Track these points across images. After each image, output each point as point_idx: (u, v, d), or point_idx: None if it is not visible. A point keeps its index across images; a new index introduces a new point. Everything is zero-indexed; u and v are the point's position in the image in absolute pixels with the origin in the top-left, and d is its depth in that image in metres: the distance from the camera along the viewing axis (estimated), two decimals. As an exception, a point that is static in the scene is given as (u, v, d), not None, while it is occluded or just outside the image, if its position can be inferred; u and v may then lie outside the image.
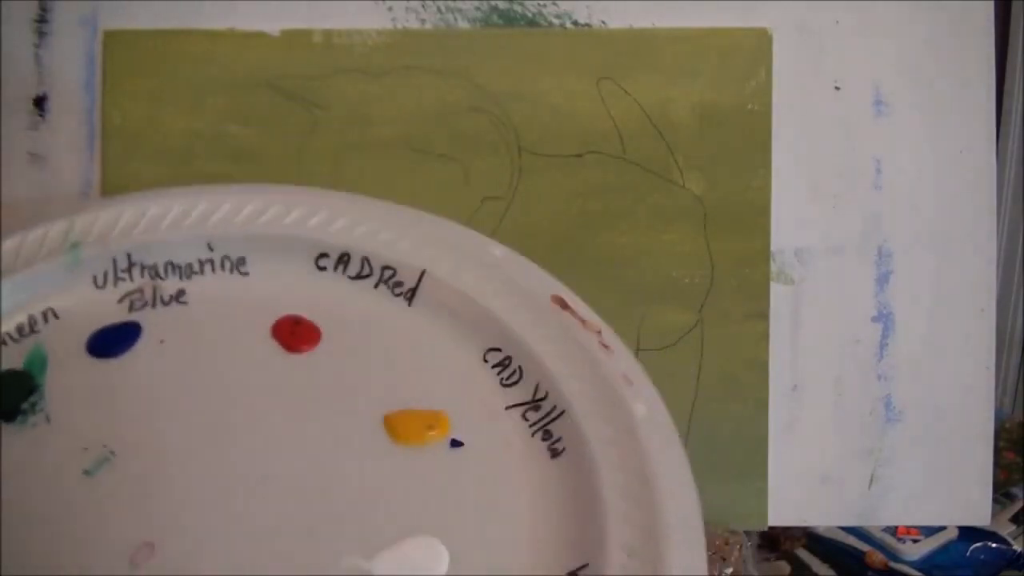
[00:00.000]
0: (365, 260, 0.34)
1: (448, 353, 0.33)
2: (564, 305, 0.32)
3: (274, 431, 0.30)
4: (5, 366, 0.32)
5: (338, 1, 0.41)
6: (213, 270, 0.35)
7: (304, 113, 0.41)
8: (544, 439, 0.30)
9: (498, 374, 0.32)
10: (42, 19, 0.41)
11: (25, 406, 0.31)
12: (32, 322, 0.33)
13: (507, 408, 0.31)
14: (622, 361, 0.31)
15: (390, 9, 0.41)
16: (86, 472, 0.29)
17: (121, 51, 0.41)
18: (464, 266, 0.34)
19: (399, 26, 0.41)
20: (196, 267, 0.35)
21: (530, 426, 0.30)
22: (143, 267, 0.35)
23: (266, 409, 0.31)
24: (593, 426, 0.29)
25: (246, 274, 0.35)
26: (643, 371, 0.31)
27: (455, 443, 0.30)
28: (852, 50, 0.41)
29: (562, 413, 0.30)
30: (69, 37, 0.41)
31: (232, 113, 0.41)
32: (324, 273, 0.35)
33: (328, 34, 0.41)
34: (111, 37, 0.41)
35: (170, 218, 0.35)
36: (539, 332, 0.32)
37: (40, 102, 0.41)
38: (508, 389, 0.31)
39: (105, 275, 0.34)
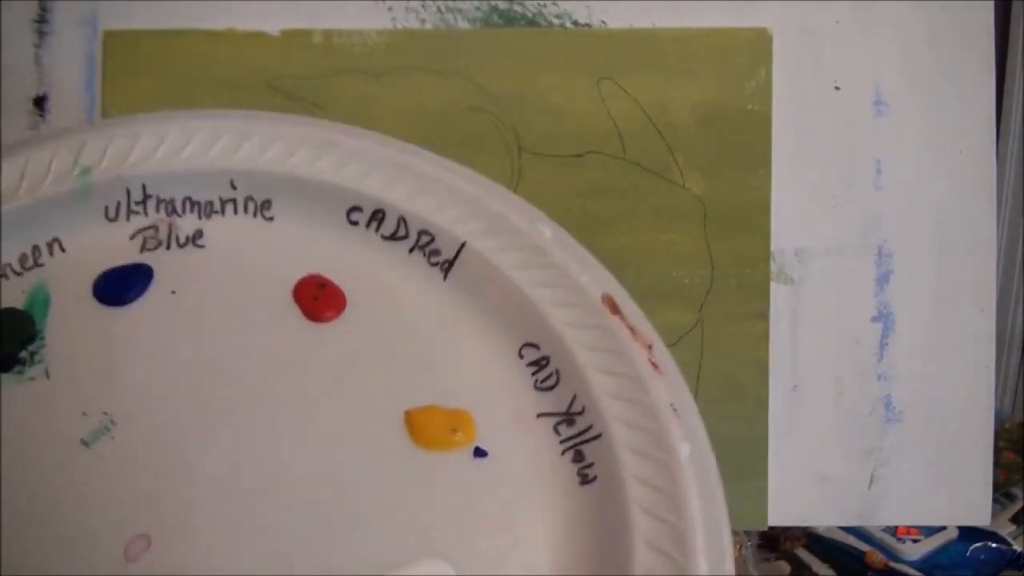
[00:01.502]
0: (401, 220, 0.31)
1: (481, 340, 0.29)
2: (615, 308, 0.29)
3: (286, 415, 0.28)
4: (5, 303, 0.29)
5: (338, 1, 0.41)
6: (235, 211, 0.32)
7: (304, 113, 0.41)
8: (575, 461, 0.27)
9: (533, 374, 0.29)
10: (42, 19, 0.41)
11: (23, 354, 0.28)
12: (36, 253, 0.30)
13: (538, 416, 0.28)
14: (672, 386, 0.28)
15: (390, 9, 0.41)
16: (84, 442, 0.27)
17: (121, 51, 0.41)
18: (510, 244, 0.30)
19: (399, 26, 0.41)
20: (217, 206, 0.32)
21: (561, 442, 0.27)
22: (159, 200, 0.31)
23: (280, 388, 0.28)
24: (631, 459, 0.26)
25: (271, 219, 0.32)
26: (692, 400, 0.28)
27: (479, 452, 0.28)
28: (852, 50, 0.41)
29: (598, 436, 0.27)
30: (69, 37, 0.41)
31: (232, 113, 0.41)
32: (355, 228, 0.31)
33: (328, 34, 0.41)
34: (111, 37, 0.41)
35: (191, 148, 0.31)
36: (583, 335, 0.28)
37: (40, 102, 0.41)
38: (542, 394, 0.28)
39: (117, 206, 0.31)
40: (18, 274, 0.30)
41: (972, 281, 0.41)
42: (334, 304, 0.30)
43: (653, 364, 0.28)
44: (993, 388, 0.41)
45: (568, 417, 0.28)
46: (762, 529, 0.42)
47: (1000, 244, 0.51)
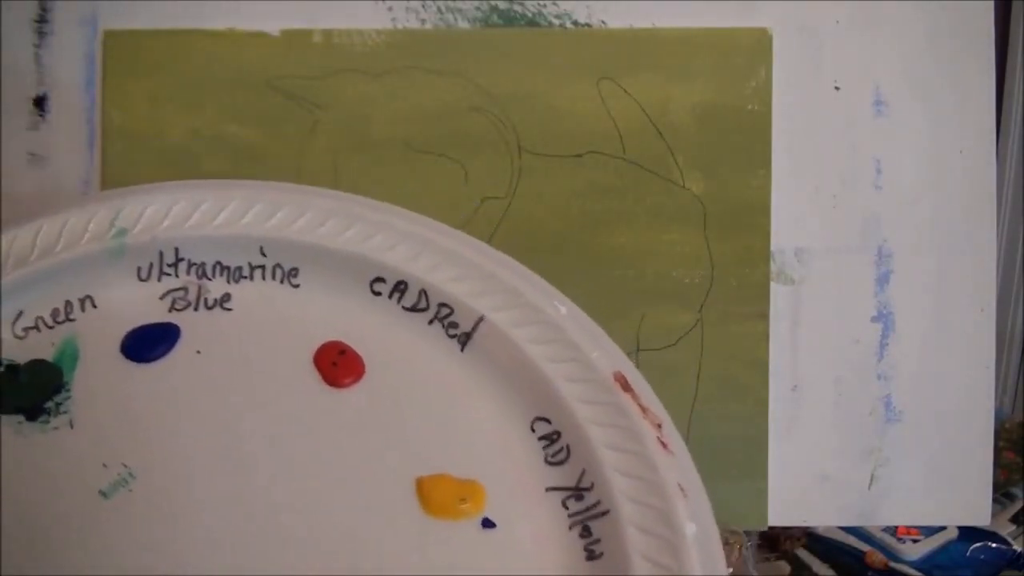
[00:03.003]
0: (423, 293, 0.32)
1: (494, 412, 0.30)
2: (626, 386, 0.29)
3: (302, 477, 0.28)
4: (35, 355, 0.30)
5: (338, 1, 0.41)
6: (263, 277, 0.33)
7: (304, 113, 0.41)
8: (582, 536, 0.27)
9: (544, 448, 0.29)
10: (42, 19, 0.41)
11: (49, 405, 0.29)
12: (68, 308, 0.32)
13: (547, 490, 0.28)
14: (680, 465, 0.28)
15: (390, 9, 0.41)
16: (102, 493, 0.28)
17: (121, 51, 0.41)
18: (525, 319, 0.31)
19: (399, 26, 0.41)
20: (246, 271, 0.33)
21: (569, 516, 0.28)
22: (190, 264, 0.33)
23: (297, 451, 0.29)
24: (638, 537, 0.26)
25: (297, 286, 0.33)
26: (699, 481, 0.28)
27: (487, 523, 0.28)
28: (852, 50, 0.41)
29: (606, 512, 0.27)
30: (69, 37, 0.41)
31: (232, 113, 0.41)
32: (378, 299, 0.32)
33: (328, 34, 0.41)
34: (111, 37, 0.41)
35: (224, 215, 0.33)
36: (595, 411, 0.29)
37: (40, 102, 0.41)
38: (552, 468, 0.29)
39: (150, 268, 0.33)
40: (50, 327, 0.31)
41: (972, 281, 0.41)
42: (353, 371, 0.31)
43: (662, 443, 0.28)
44: (993, 388, 0.41)
45: (577, 492, 0.28)
46: (762, 529, 0.42)
47: (1000, 244, 0.51)
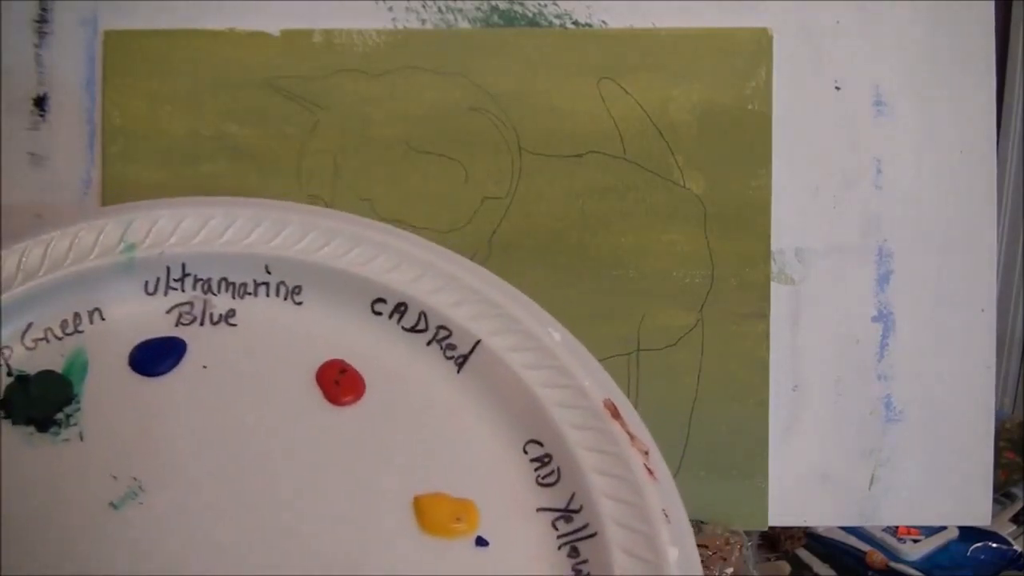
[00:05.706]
0: (422, 314, 0.33)
1: (488, 434, 0.31)
2: (616, 414, 0.30)
3: (304, 492, 0.29)
4: (45, 365, 0.31)
5: (338, 1, 0.41)
6: (268, 294, 0.34)
7: (304, 113, 0.41)
8: (570, 556, 0.28)
9: (535, 470, 0.30)
10: (42, 19, 0.41)
11: (59, 416, 0.30)
12: (77, 320, 0.32)
13: (538, 510, 0.30)
14: (664, 492, 0.29)
15: (390, 9, 0.41)
16: (113, 505, 0.28)
17: (121, 51, 0.41)
18: (521, 344, 0.32)
19: (399, 26, 0.41)
20: (251, 288, 0.34)
21: (558, 537, 0.29)
22: (196, 279, 0.34)
23: (300, 466, 0.30)
24: (624, 560, 0.27)
25: (300, 303, 0.34)
26: (683, 507, 0.29)
27: (480, 541, 0.29)
28: (852, 50, 0.41)
29: (594, 535, 0.28)
30: (69, 37, 0.41)
31: (232, 113, 0.41)
32: (379, 319, 0.33)
33: (328, 34, 0.41)
34: (111, 37, 0.41)
35: (230, 233, 0.34)
36: (585, 437, 0.30)
37: (40, 102, 0.41)
38: (543, 489, 0.30)
39: (157, 282, 0.33)
40: (59, 339, 0.32)
41: (972, 281, 0.41)
42: (353, 389, 0.32)
43: (649, 470, 0.29)
44: (993, 388, 0.41)
45: (566, 514, 0.29)
46: (762, 529, 0.42)
47: (1000, 244, 0.51)
